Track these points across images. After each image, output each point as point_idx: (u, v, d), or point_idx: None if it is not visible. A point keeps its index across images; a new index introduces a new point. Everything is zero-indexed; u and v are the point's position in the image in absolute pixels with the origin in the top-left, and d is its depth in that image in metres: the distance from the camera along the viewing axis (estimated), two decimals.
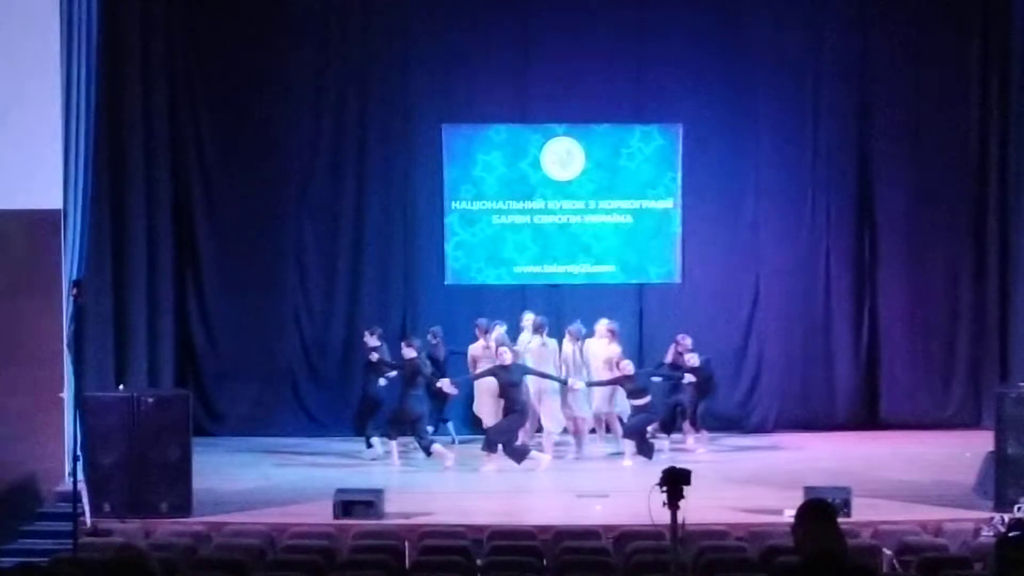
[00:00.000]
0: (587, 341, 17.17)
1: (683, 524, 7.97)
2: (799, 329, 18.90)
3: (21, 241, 14.88)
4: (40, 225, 14.75)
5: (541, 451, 16.50)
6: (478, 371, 16.83)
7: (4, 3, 14.83)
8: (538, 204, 18.83)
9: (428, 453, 16.44)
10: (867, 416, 18.87)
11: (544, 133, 18.85)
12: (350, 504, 13.48)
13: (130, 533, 12.93)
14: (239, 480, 15.72)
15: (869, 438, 18.19)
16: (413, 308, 18.75)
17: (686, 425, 17.57)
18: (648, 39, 18.67)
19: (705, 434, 17.60)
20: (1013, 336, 18.46)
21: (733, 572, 10.56)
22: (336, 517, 13.36)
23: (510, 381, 16.20)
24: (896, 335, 18.92)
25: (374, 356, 16.99)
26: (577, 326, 17.19)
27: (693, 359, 17.23)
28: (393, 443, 16.59)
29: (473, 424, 17.56)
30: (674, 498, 7.77)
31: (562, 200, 18.83)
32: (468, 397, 17.44)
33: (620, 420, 17.02)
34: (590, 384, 16.85)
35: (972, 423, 18.39)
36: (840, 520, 6.49)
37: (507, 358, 16.28)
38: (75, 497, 13.01)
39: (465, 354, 17.37)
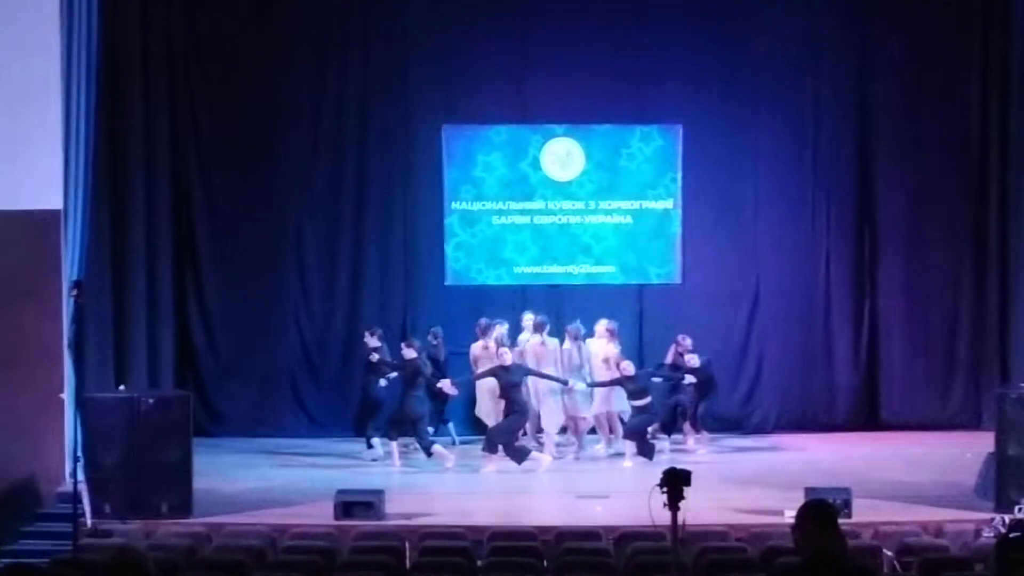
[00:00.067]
0: (587, 341, 17.16)
1: (684, 525, 7.98)
2: (799, 330, 18.90)
3: (21, 242, 14.86)
4: (40, 226, 14.74)
5: (541, 452, 16.49)
6: (479, 372, 16.83)
7: (5, 3, 14.82)
8: (538, 205, 18.83)
9: (429, 454, 16.43)
10: (867, 417, 18.86)
11: (544, 134, 18.85)
12: (350, 505, 13.47)
13: (130, 534, 12.92)
14: (239, 481, 15.71)
15: (869, 439, 18.19)
16: (413, 309, 18.75)
17: (686, 426, 17.57)
18: (648, 40, 18.66)
19: (705, 435, 17.60)
20: (1013, 337, 18.45)
21: (733, 573, 10.54)
22: (336, 518, 13.35)
23: (511, 382, 16.20)
24: (896, 336, 18.91)
25: (374, 357, 16.98)
26: (576, 325, 17.19)
27: (693, 360, 17.23)
28: (393, 444, 16.58)
29: (474, 425, 17.55)
30: (674, 499, 7.77)
31: (562, 201, 18.83)
32: (469, 398, 17.44)
33: (620, 419, 17.01)
34: (591, 385, 16.85)
35: (973, 424, 18.39)
36: (841, 521, 6.49)
37: (507, 359, 16.28)
38: (75, 498, 13.02)
39: (465, 354, 17.38)
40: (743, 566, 10.70)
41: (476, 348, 17.19)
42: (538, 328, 17.15)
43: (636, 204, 18.85)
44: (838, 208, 18.94)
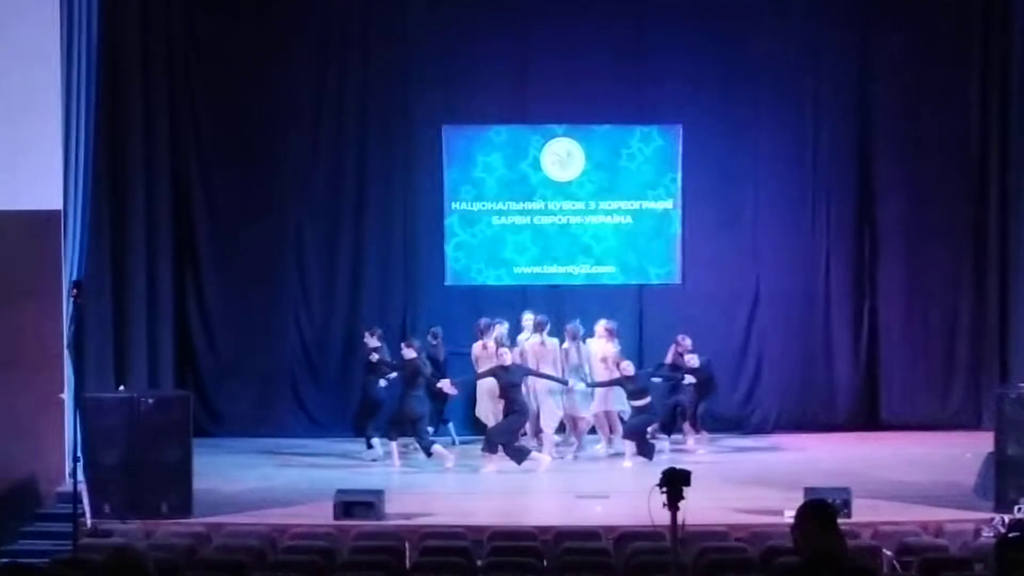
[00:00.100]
0: (587, 341, 17.14)
1: (683, 525, 7.97)
2: (799, 330, 18.90)
3: (21, 242, 14.86)
4: (40, 226, 14.73)
5: (541, 452, 16.50)
6: (479, 372, 16.82)
7: (4, 3, 14.82)
8: (538, 205, 18.83)
9: (428, 454, 16.43)
10: (867, 417, 18.86)
11: (544, 134, 18.85)
12: (350, 505, 13.47)
13: (130, 534, 12.92)
14: (239, 481, 15.71)
15: (869, 439, 18.19)
16: (413, 309, 18.75)
17: (686, 426, 17.57)
18: (648, 40, 18.67)
19: (705, 435, 17.60)
20: (1013, 337, 18.45)
21: (733, 573, 10.54)
22: (336, 518, 13.35)
23: (510, 382, 16.20)
24: (896, 336, 18.91)
25: (374, 357, 16.98)
26: (575, 325, 17.18)
27: (693, 360, 17.24)
28: (393, 444, 16.58)
29: (473, 425, 17.55)
30: (674, 499, 7.77)
31: (562, 201, 18.83)
32: (469, 398, 17.43)
33: (620, 419, 17.00)
34: (591, 385, 16.84)
35: (972, 424, 18.38)
36: (840, 521, 6.49)
37: (507, 359, 16.28)
38: (75, 498, 13.01)
39: (465, 355, 17.38)
40: (743, 566, 10.70)
41: (476, 348, 17.19)
42: (538, 328, 17.15)
43: (636, 204, 18.86)
44: (838, 208, 18.94)
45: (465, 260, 18.84)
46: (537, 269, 18.88)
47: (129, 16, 17.62)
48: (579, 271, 18.90)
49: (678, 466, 7.90)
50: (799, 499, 10.42)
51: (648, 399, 16.56)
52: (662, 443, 17.09)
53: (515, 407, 16.19)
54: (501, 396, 16.33)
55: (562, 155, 18.85)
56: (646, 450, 16.38)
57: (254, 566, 10.70)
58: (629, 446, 16.59)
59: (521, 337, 17.24)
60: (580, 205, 18.85)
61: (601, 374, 16.93)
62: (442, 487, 15.63)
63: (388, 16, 18.66)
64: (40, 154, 14.74)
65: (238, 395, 18.58)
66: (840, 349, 18.87)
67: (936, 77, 18.72)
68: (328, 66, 18.74)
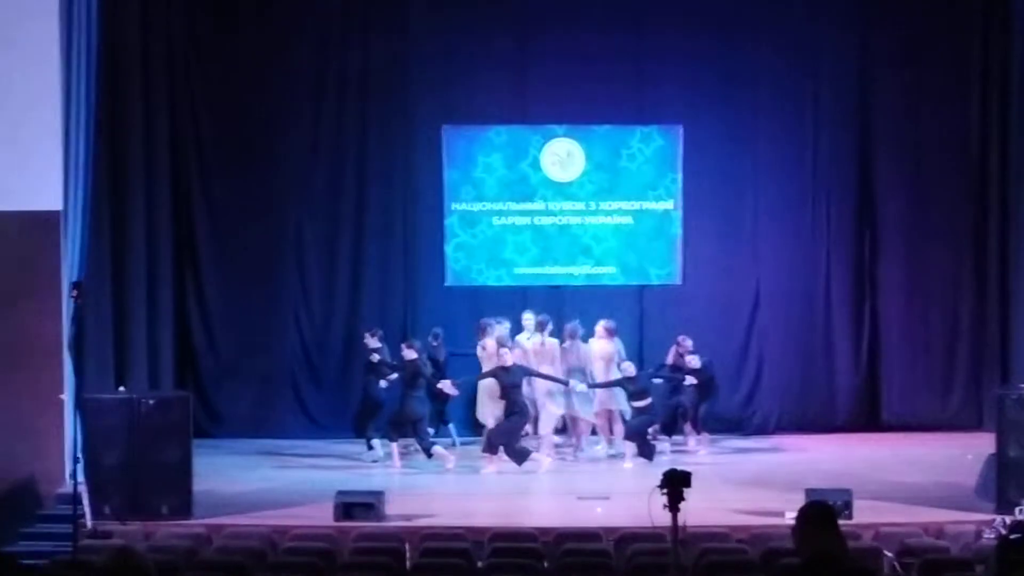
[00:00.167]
0: (589, 341, 17.12)
1: (684, 526, 7.97)
2: (800, 331, 18.89)
3: (21, 243, 14.85)
4: (40, 226, 14.72)
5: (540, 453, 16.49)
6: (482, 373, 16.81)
7: (5, 4, 14.81)
8: (538, 205, 18.83)
9: (429, 455, 16.43)
10: (868, 418, 18.85)
11: (544, 134, 18.85)
12: (351, 506, 13.46)
13: (130, 535, 12.90)
14: (240, 482, 15.70)
15: (870, 440, 18.17)
16: (413, 309, 18.75)
17: (687, 427, 17.55)
18: (648, 40, 18.67)
19: (706, 436, 17.59)
20: (1014, 338, 18.42)
21: (734, 574, 10.54)
22: (337, 519, 13.34)
23: (511, 383, 16.19)
24: (897, 337, 18.90)
25: (375, 357, 16.97)
26: (574, 325, 17.16)
27: (694, 361, 17.22)
28: (394, 445, 16.56)
29: (474, 426, 17.54)
30: (674, 500, 7.76)
31: (562, 201, 18.83)
32: (469, 399, 17.41)
33: (622, 417, 16.98)
34: (592, 386, 16.83)
35: (973, 425, 18.37)
36: (841, 522, 6.49)
37: (508, 359, 16.26)
38: (75, 499, 13.01)
39: (465, 355, 17.37)
40: (743, 567, 10.69)
41: (478, 349, 17.17)
42: (539, 328, 17.13)
43: (636, 205, 18.85)
44: (838, 209, 18.93)
45: (465, 261, 18.83)
46: (537, 270, 18.87)
47: (129, 16, 17.61)
48: (579, 272, 18.89)
49: (679, 467, 7.90)
50: (800, 500, 10.43)
51: (649, 400, 16.55)
52: (663, 444, 17.08)
53: (516, 408, 16.19)
54: (502, 397, 16.31)
55: (562, 155, 18.84)
56: (647, 451, 16.38)
57: (254, 567, 10.69)
58: (630, 447, 16.58)
59: (520, 337, 17.22)
60: (580, 206, 18.84)
61: (600, 374, 16.91)
62: (443, 488, 15.61)
63: (388, 16, 18.65)
64: (40, 154, 14.73)
65: (238, 396, 18.58)
66: (840, 350, 18.86)
67: (936, 77, 18.71)
68: (328, 66, 18.74)
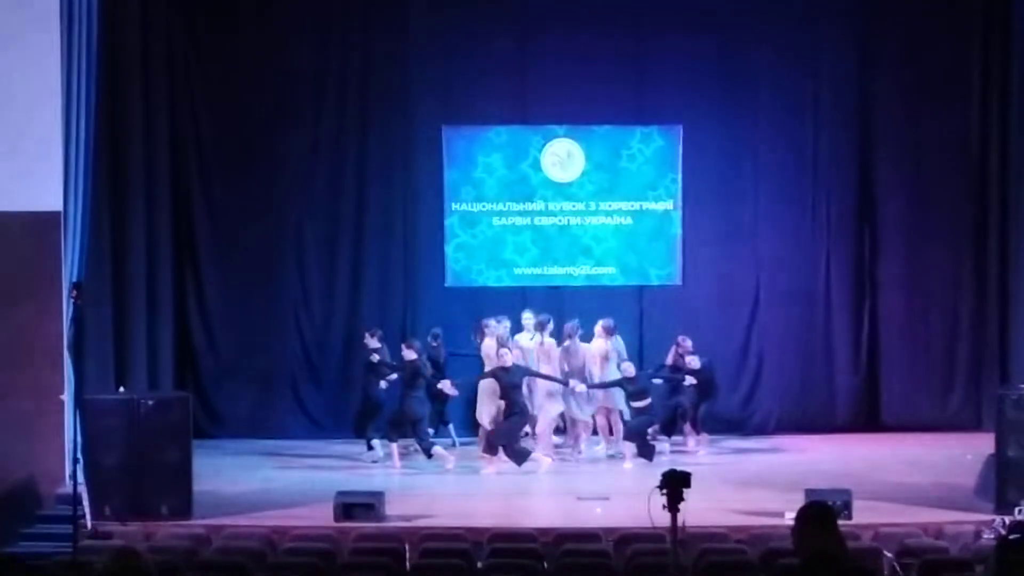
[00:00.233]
0: (590, 342, 17.12)
1: (683, 527, 7.97)
2: (799, 331, 18.88)
3: (21, 242, 14.85)
4: (40, 227, 14.73)
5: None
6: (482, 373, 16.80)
7: (4, 4, 14.82)
8: (538, 206, 18.83)
9: (429, 455, 16.42)
10: (868, 418, 18.84)
11: (544, 135, 18.84)
12: (350, 506, 13.46)
13: (130, 536, 12.91)
14: (239, 482, 15.71)
15: (870, 440, 18.17)
16: (413, 310, 18.74)
17: (687, 427, 17.55)
18: (648, 40, 18.67)
19: (706, 436, 17.58)
20: (1013, 338, 18.42)
21: (733, 575, 10.54)
22: (337, 519, 13.35)
23: (511, 383, 16.19)
24: (896, 337, 18.89)
25: (374, 358, 16.97)
26: (573, 324, 17.16)
27: (694, 361, 17.22)
28: (394, 445, 16.56)
29: (474, 427, 17.52)
30: (674, 501, 7.76)
31: (562, 202, 18.83)
32: (469, 399, 17.40)
33: (621, 416, 16.97)
34: (591, 387, 16.82)
35: (973, 425, 18.37)
36: (841, 523, 6.49)
37: (508, 360, 16.26)
38: (75, 499, 12.99)
39: (465, 356, 17.38)
40: (743, 568, 10.70)
41: (480, 349, 17.15)
42: (539, 327, 17.11)
43: (636, 205, 18.85)
44: (838, 208, 18.92)
45: (465, 261, 18.83)
46: (537, 270, 18.87)
47: (129, 16, 17.61)
48: (579, 272, 18.89)
49: (678, 468, 7.90)
50: (799, 501, 10.44)
51: (648, 400, 16.55)
52: (662, 445, 17.08)
53: (516, 408, 16.19)
54: (502, 397, 16.31)
55: (562, 156, 18.84)
56: (646, 452, 16.37)
57: (254, 568, 10.69)
58: (629, 447, 16.58)
59: (520, 337, 17.20)
60: (580, 206, 18.84)
61: (595, 370, 16.89)
62: (442, 489, 15.61)
63: (388, 16, 18.65)
64: (40, 155, 14.73)
65: (238, 396, 18.57)
66: (840, 350, 18.86)
67: (936, 77, 18.71)
68: (328, 66, 18.73)
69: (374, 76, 18.70)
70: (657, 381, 17.15)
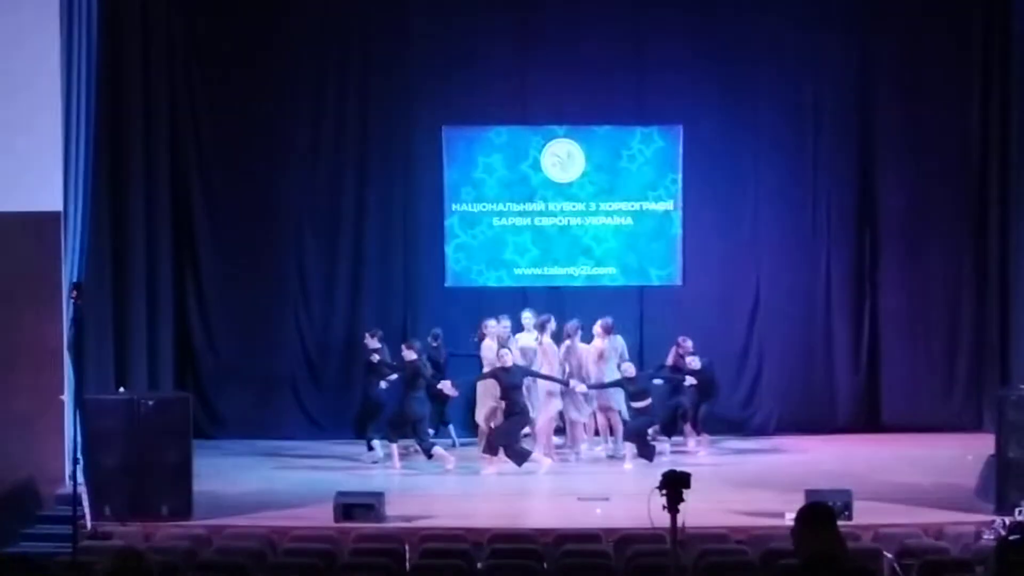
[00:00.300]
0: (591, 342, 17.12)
1: (683, 527, 7.96)
2: (800, 331, 18.88)
3: (21, 243, 14.85)
4: (40, 227, 14.73)
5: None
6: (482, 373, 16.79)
7: (4, 4, 14.81)
8: (539, 206, 18.82)
9: (429, 456, 16.42)
10: (868, 419, 18.84)
11: (544, 135, 18.84)
12: (351, 507, 13.46)
13: (130, 536, 12.91)
14: (239, 483, 15.70)
15: (870, 441, 18.17)
16: (413, 310, 18.74)
17: (687, 428, 17.54)
18: (648, 41, 18.67)
19: (706, 437, 17.58)
20: (1014, 339, 18.41)
21: (733, 575, 10.53)
22: (337, 520, 13.34)
23: (511, 383, 16.18)
24: (897, 337, 18.89)
25: (375, 358, 16.97)
26: (573, 324, 17.15)
27: (694, 361, 17.21)
28: (394, 446, 16.56)
29: (474, 427, 17.52)
30: (674, 501, 7.75)
31: (562, 202, 18.82)
32: (469, 400, 17.39)
33: (620, 415, 16.97)
34: (591, 387, 16.81)
35: (973, 426, 18.37)
36: (841, 523, 6.49)
37: (508, 360, 16.25)
38: (75, 500, 12.98)
39: (465, 356, 17.36)
40: (743, 569, 10.69)
41: (481, 349, 17.14)
42: (540, 327, 17.10)
43: (636, 205, 18.84)
44: (838, 208, 18.92)
45: (465, 261, 18.83)
46: (537, 271, 18.87)
47: (129, 16, 17.62)
48: (579, 272, 18.88)
49: (678, 468, 7.89)
50: (800, 501, 10.43)
51: (649, 401, 16.54)
52: (663, 445, 17.08)
53: (516, 409, 16.18)
54: (502, 397, 16.30)
55: (562, 156, 18.84)
56: (647, 452, 16.37)
57: (254, 568, 10.69)
58: (630, 448, 16.58)
59: (519, 337, 17.19)
60: (580, 206, 18.84)
61: (592, 369, 16.87)
62: (442, 489, 15.62)
63: (388, 17, 18.65)
64: (40, 155, 14.73)
65: (238, 397, 18.56)
66: (841, 350, 18.86)
67: (936, 77, 18.71)
68: (328, 66, 18.73)
69: (374, 76, 18.70)
70: (657, 382, 17.15)
